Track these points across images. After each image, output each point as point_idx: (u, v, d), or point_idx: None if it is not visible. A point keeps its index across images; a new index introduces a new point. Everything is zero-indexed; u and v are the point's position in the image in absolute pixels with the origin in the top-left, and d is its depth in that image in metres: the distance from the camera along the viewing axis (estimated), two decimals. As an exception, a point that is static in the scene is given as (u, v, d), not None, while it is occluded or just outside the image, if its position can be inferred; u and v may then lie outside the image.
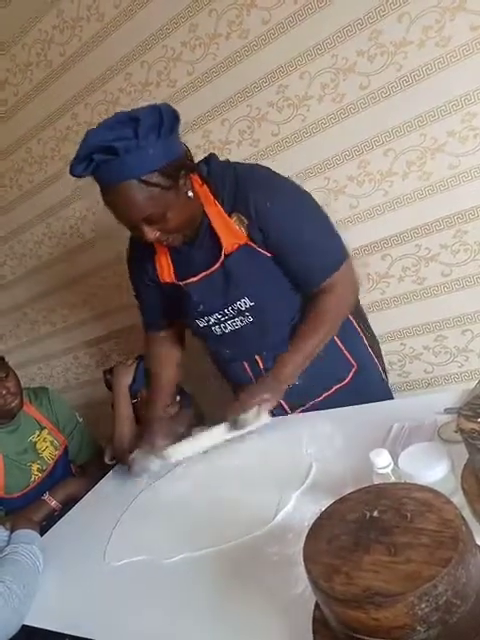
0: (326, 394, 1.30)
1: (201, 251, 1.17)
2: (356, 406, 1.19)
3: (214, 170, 1.14)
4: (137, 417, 1.49)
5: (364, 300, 1.68)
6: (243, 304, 1.19)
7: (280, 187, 1.14)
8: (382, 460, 0.78)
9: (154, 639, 0.78)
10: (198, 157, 1.16)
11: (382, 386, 1.37)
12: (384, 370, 1.40)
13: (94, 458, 1.67)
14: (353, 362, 1.29)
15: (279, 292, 1.21)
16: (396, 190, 1.53)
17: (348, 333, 1.28)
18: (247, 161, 1.59)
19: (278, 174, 1.17)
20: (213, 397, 1.54)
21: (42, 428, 1.57)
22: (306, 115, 1.53)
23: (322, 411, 1.24)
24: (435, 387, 1.76)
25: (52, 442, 1.59)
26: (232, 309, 1.21)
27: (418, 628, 0.48)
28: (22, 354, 2.59)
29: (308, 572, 0.57)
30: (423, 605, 0.47)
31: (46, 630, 0.92)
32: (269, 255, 1.14)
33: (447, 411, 0.98)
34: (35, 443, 1.53)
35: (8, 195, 2.16)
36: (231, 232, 1.12)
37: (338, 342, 1.26)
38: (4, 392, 1.41)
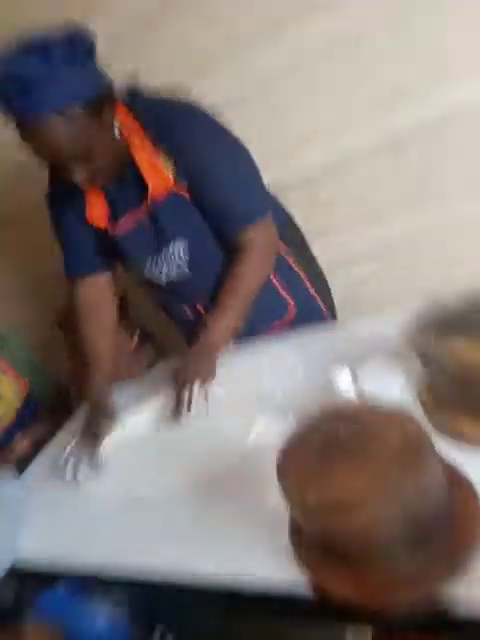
0: (268, 331, 1.31)
1: (129, 190, 1.10)
2: (314, 329, 1.23)
3: (139, 101, 1.05)
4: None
5: (311, 226, 1.68)
6: (176, 254, 1.15)
7: (203, 119, 1.07)
8: (343, 380, 0.83)
9: (140, 563, 0.83)
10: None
11: (325, 324, 1.36)
12: (330, 306, 1.41)
13: (59, 396, 1.67)
14: (289, 299, 1.29)
15: (210, 239, 1.17)
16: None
17: (283, 270, 1.27)
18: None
19: (205, 108, 1.08)
20: (172, 331, 1.53)
21: (3, 373, 1.54)
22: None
23: (282, 338, 1.27)
24: (389, 307, 1.82)
25: (13, 385, 1.56)
26: (165, 258, 1.17)
27: (386, 528, 0.54)
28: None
29: (282, 488, 0.61)
30: (391, 507, 0.52)
31: (35, 568, 0.96)
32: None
33: (402, 330, 1.02)
34: (-4, 388, 1.51)
35: None
36: (158, 174, 1.05)
37: (273, 280, 1.25)
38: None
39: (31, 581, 1.01)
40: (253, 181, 1.12)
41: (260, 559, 0.72)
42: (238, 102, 1.51)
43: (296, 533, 0.68)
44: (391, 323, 1.05)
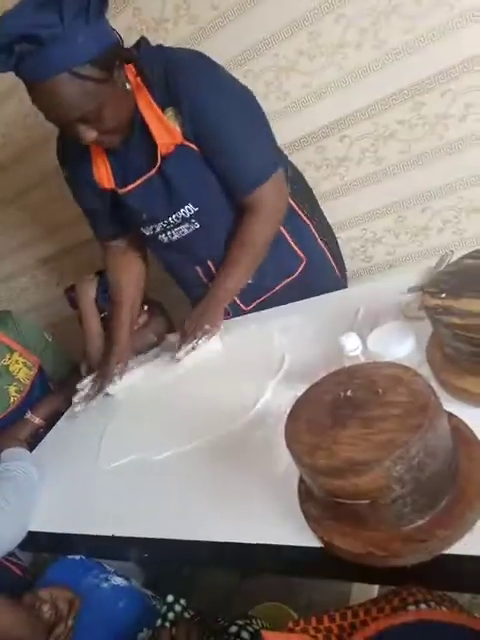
0: (277, 287, 1.31)
1: (137, 152, 1.08)
2: (323, 295, 1.21)
3: (145, 57, 1.01)
4: (107, 329, 1.49)
5: (322, 188, 1.64)
6: (187, 211, 1.14)
7: (213, 74, 1.03)
8: (351, 343, 0.81)
9: (151, 529, 0.84)
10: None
11: (334, 281, 1.36)
12: (340, 266, 1.40)
13: (71, 373, 1.68)
14: (302, 255, 1.28)
15: (222, 192, 1.15)
16: (350, 63, 1.43)
17: (295, 225, 1.26)
18: (187, 39, 1.45)
19: (214, 62, 1.05)
20: (183, 303, 1.53)
21: (12, 351, 1.55)
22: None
23: (289, 304, 1.25)
24: (397, 268, 1.80)
25: (25, 363, 1.58)
26: (176, 217, 1.16)
27: (394, 487, 0.53)
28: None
29: (291, 451, 0.61)
30: (398, 467, 0.52)
31: (52, 533, 0.98)
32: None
33: (410, 290, 1.01)
34: (7, 366, 1.52)
35: None
36: (166, 130, 1.03)
37: (285, 234, 1.25)
38: (-35, 320, 1.37)
39: (45, 551, 1.04)
40: (263, 136, 1.10)
41: (270, 520, 0.72)
42: (242, 61, 1.47)
43: (305, 494, 0.68)
44: (402, 282, 1.04)
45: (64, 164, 1.22)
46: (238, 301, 1.32)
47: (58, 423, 1.37)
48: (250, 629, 0.87)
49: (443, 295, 0.71)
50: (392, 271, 1.81)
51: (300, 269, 1.30)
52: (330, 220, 1.44)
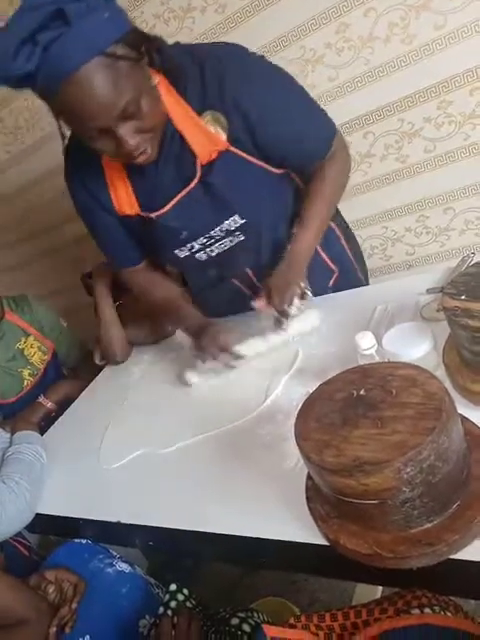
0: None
1: (170, 168, 0.97)
2: (339, 292, 1.20)
3: (170, 58, 0.88)
4: (122, 319, 1.50)
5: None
6: (233, 223, 1.04)
7: (257, 67, 0.94)
8: (366, 342, 0.80)
9: (157, 518, 0.84)
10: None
11: (357, 282, 1.29)
12: (361, 266, 1.35)
13: (84, 359, 1.70)
14: (333, 267, 1.23)
15: (270, 201, 1.07)
16: (378, 57, 1.40)
17: (328, 239, 1.18)
18: (214, 30, 1.44)
19: (245, 48, 0.96)
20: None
21: (27, 335, 1.57)
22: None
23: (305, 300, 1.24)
24: (416, 268, 1.78)
25: (40, 347, 1.60)
26: (220, 230, 1.05)
27: (403, 489, 0.52)
28: (-6, 263, 2.52)
29: (300, 448, 0.61)
30: (408, 469, 0.51)
31: (60, 516, 0.99)
32: (252, 159, 0.98)
33: (429, 291, 0.99)
34: (22, 350, 1.54)
35: None
36: (206, 137, 0.92)
37: (318, 249, 1.17)
38: (-18, 302, 1.39)
39: (52, 534, 1.05)
40: (316, 107, 1.01)
41: (276, 516, 0.72)
42: (268, 52, 1.45)
43: (313, 491, 0.68)
44: (421, 282, 1.03)
45: (75, 192, 1.09)
46: None
47: (68, 410, 1.39)
48: (251, 622, 0.87)
49: (463, 297, 0.69)
50: (411, 271, 1.79)
51: (332, 282, 1.24)
52: (351, 217, 1.42)
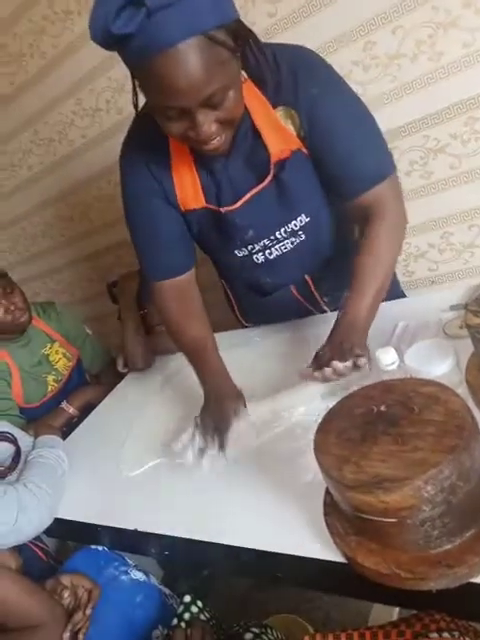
0: None
1: (240, 163, 0.95)
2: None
3: (257, 54, 0.84)
4: (146, 327, 1.52)
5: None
6: (299, 222, 1.02)
7: (330, 73, 0.93)
8: (388, 357, 0.80)
9: (173, 527, 0.85)
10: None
11: (395, 287, 1.27)
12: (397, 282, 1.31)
13: (107, 367, 1.72)
14: None
15: (328, 202, 1.05)
16: (405, 74, 1.41)
17: None
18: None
19: (319, 56, 0.93)
20: (216, 307, 1.53)
21: (53, 341, 1.60)
22: (305, -11, 1.38)
23: (328, 313, 1.24)
24: (440, 285, 1.76)
25: (64, 354, 1.63)
26: (285, 230, 1.04)
27: (423, 508, 0.52)
28: (24, 270, 2.57)
29: (320, 463, 0.61)
30: (429, 488, 0.51)
31: (77, 522, 1.00)
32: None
33: (452, 308, 0.99)
34: (48, 355, 1.57)
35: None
36: (280, 134, 0.91)
37: None
38: (12, 308, 1.42)
39: (69, 539, 1.06)
40: (380, 135, 0.97)
41: (292, 530, 0.72)
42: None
43: (331, 507, 0.67)
44: (443, 299, 1.02)
45: (133, 174, 1.00)
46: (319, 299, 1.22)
47: (90, 416, 1.40)
48: (265, 638, 0.86)
49: (487, 315, 0.69)
50: (434, 287, 1.77)
51: None
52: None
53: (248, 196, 0.97)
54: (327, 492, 0.70)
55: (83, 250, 2.37)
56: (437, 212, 1.61)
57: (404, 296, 1.31)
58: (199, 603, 0.87)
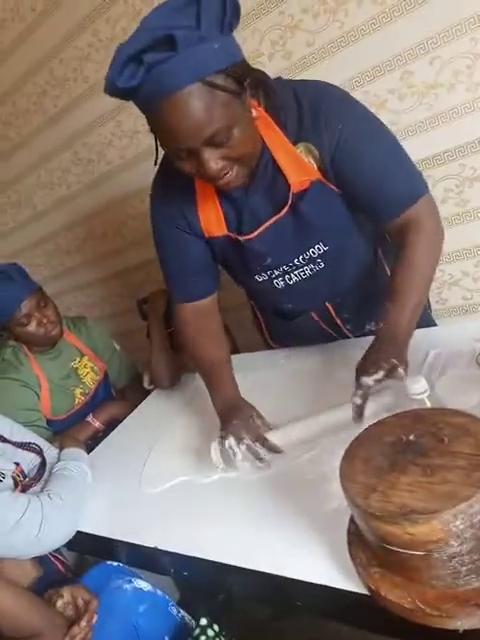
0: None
1: (260, 195, 0.99)
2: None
3: (272, 92, 0.91)
4: (173, 344, 1.53)
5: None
6: (316, 250, 1.06)
7: (352, 106, 0.96)
8: (419, 386, 0.78)
9: (192, 548, 0.84)
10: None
11: (425, 315, 1.25)
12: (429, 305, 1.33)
13: (133, 382, 1.74)
14: None
15: (352, 230, 1.08)
16: (441, 104, 1.42)
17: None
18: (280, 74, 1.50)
19: (343, 90, 0.97)
20: (248, 326, 1.54)
21: (82, 355, 1.63)
22: (344, 21, 1.40)
23: (358, 338, 1.23)
24: (473, 314, 1.73)
25: (92, 368, 1.66)
26: (303, 258, 1.07)
27: (451, 542, 0.50)
28: (57, 284, 2.64)
29: (345, 490, 0.60)
30: (458, 522, 0.49)
31: (97, 535, 1.01)
32: (337, 190, 0.98)
33: (486, 337, 0.96)
34: (76, 369, 1.60)
35: (34, 120, 2.11)
36: (299, 166, 0.94)
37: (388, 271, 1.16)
38: (45, 321, 1.46)
39: (88, 553, 1.06)
40: (407, 158, 0.98)
41: (314, 557, 0.70)
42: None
43: (355, 536, 0.66)
44: (477, 328, 1.00)
45: (161, 206, 1.08)
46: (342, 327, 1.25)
47: (114, 432, 1.42)
48: (281, 668, 0.84)
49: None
50: (467, 316, 1.74)
51: None
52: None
53: (266, 225, 1.02)
54: (351, 521, 0.68)
55: (114, 266, 2.42)
56: (472, 240, 1.60)
57: (434, 325, 1.29)
58: (215, 627, 0.86)
